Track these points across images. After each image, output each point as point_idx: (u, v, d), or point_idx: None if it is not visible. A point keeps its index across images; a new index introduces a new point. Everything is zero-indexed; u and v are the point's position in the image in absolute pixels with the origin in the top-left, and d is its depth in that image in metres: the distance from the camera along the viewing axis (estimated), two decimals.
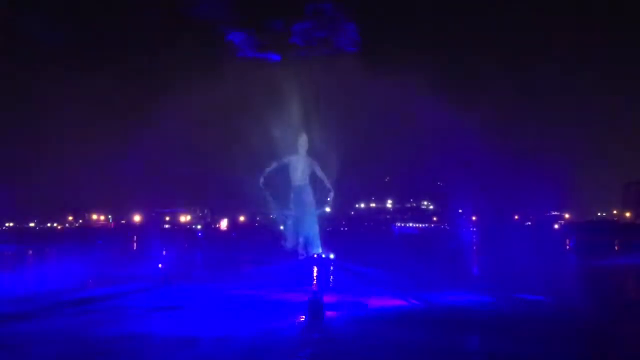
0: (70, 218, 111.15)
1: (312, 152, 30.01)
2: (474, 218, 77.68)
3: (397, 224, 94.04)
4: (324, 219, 30.51)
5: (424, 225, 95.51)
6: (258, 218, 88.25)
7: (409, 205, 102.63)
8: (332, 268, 30.01)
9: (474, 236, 63.09)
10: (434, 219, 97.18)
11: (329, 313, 17.33)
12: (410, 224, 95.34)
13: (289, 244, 29.98)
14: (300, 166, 29.24)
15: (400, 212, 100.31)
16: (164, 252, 44.70)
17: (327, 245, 31.13)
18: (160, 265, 34.22)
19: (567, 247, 58.64)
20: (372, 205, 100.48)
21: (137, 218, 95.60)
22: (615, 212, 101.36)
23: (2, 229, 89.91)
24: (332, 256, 30.73)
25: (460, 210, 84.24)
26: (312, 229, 29.76)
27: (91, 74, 56.01)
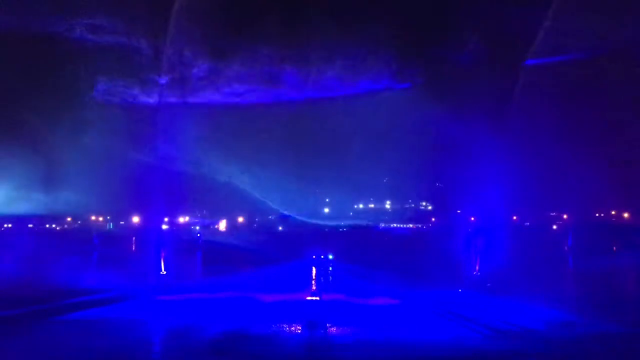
0: (69, 219, 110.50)
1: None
2: (472, 219, 77.54)
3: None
4: (323, 220, 30.48)
5: (419, 225, 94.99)
6: (257, 219, 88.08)
7: (407, 206, 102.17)
8: (331, 269, 29.91)
9: (474, 237, 63.14)
10: (432, 219, 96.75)
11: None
12: (394, 225, 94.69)
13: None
14: None
15: (398, 213, 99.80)
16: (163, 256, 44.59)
17: (326, 245, 31.02)
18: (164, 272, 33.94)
19: (566, 247, 58.73)
20: (371, 205, 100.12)
21: (135, 219, 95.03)
22: (613, 212, 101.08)
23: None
24: (330, 257, 30.65)
25: (458, 211, 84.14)
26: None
27: None
